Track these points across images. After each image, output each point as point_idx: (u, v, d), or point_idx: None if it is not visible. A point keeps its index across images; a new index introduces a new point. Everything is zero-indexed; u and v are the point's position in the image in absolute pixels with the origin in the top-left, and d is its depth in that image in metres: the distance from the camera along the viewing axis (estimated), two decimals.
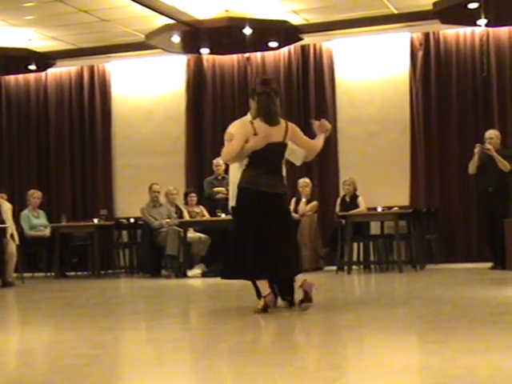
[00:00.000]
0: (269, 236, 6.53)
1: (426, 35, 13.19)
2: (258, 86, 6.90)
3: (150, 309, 7.87)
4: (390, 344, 4.92)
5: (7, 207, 11.72)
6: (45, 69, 14.80)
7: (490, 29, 12.74)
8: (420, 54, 13.20)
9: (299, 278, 6.54)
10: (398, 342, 5.01)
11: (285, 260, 6.58)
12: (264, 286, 6.58)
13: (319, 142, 7.10)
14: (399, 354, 4.57)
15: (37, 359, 4.98)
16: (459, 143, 12.86)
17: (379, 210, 11.89)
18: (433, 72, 13.15)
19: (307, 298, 6.47)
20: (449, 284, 9.22)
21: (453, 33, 13.10)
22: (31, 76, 15.20)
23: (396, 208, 12.05)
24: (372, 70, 13.54)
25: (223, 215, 12.13)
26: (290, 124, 6.83)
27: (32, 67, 14.40)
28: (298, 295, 6.50)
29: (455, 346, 4.62)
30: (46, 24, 12.91)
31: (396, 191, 13.11)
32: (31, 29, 13.08)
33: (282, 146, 6.77)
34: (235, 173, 6.82)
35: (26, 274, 12.21)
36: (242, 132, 6.59)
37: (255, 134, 6.55)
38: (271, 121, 6.66)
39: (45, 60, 14.46)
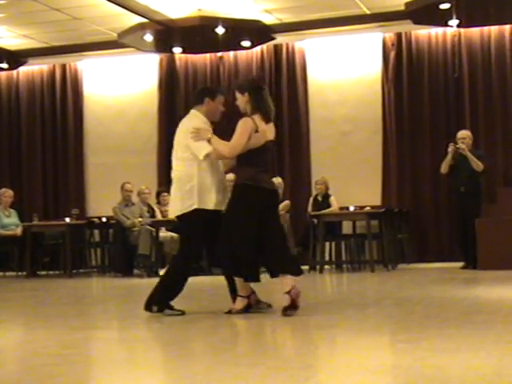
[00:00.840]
0: (265, 234, 6.47)
1: (399, 35, 13.26)
2: (257, 81, 6.93)
3: (121, 308, 7.85)
4: (361, 343, 4.95)
5: None
6: (16, 67, 14.70)
7: (462, 29, 12.83)
8: (392, 54, 13.26)
9: (288, 283, 6.48)
10: (370, 341, 5.03)
11: (281, 258, 6.57)
12: (246, 286, 6.59)
13: None
14: (371, 353, 4.59)
15: (7, 359, 4.95)
16: (431, 143, 12.93)
17: (351, 209, 11.92)
18: (405, 72, 13.21)
19: (293, 305, 6.38)
20: (420, 283, 9.27)
21: (425, 33, 13.17)
22: (2, 74, 15.10)
23: (368, 208, 12.09)
24: (344, 70, 13.58)
25: None
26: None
27: (3, 65, 14.30)
28: (285, 301, 6.47)
29: (426, 345, 4.65)
30: (18, 22, 12.82)
31: (368, 191, 13.16)
32: (2, 27, 12.99)
33: (274, 144, 6.80)
34: (193, 171, 6.60)
35: None
36: (246, 128, 6.53)
37: (256, 131, 6.54)
38: (270, 118, 6.65)
39: (16, 58, 14.37)
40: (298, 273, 6.60)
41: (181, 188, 6.62)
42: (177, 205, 6.62)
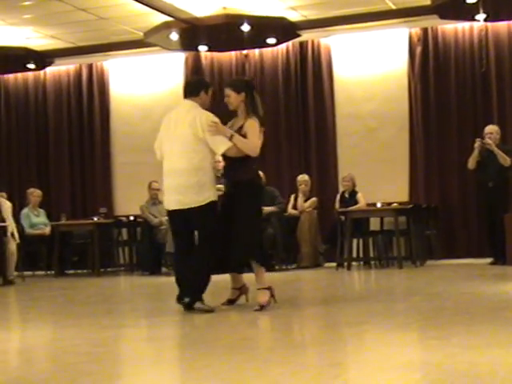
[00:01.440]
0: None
1: (425, 31, 13.18)
2: (252, 83, 7.12)
3: (149, 306, 7.87)
4: (390, 340, 4.93)
5: (7, 206, 11.74)
6: (43, 67, 14.79)
7: (489, 23, 12.72)
8: (418, 49, 13.19)
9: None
10: (399, 338, 5.01)
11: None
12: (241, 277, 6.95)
13: None
14: (400, 350, 4.57)
15: (38, 357, 4.98)
16: (458, 138, 12.85)
17: (379, 205, 11.88)
18: (431, 67, 13.14)
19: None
20: (449, 280, 9.22)
21: (451, 28, 13.09)
22: (30, 75, 15.20)
23: (395, 204, 12.04)
24: (370, 66, 13.52)
25: None
26: None
27: (31, 66, 14.38)
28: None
29: (456, 341, 4.63)
30: (45, 22, 12.90)
31: (395, 187, 13.11)
32: (29, 27, 13.07)
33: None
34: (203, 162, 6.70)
35: (26, 273, 12.22)
36: (258, 128, 6.70)
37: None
38: (264, 123, 6.86)
39: (43, 59, 14.45)
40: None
41: (197, 180, 6.63)
42: (192, 196, 6.62)
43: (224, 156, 6.82)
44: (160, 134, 6.97)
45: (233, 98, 6.86)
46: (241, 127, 6.75)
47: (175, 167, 6.71)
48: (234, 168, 6.84)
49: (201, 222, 6.70)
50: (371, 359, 4.29)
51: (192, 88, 6.95)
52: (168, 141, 6.81)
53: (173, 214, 6.78)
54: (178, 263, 6.98)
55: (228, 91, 6.91)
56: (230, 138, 6.65)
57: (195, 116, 6.71)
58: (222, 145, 6.64)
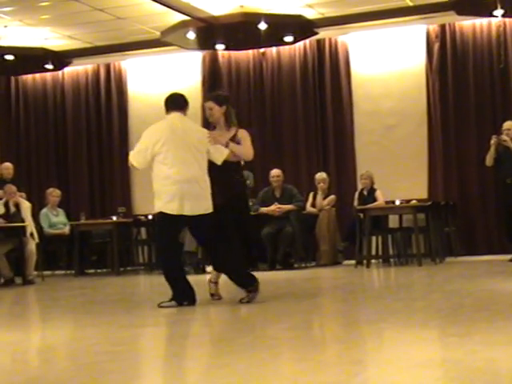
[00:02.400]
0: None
1: (442, 27, 13.13)
2: (230, 97, 7.81)
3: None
4: (410, 338, 4.91)
5: (26, 206, 11.80)
6: (61, 68, 14.84)
7: (507, 19, 12.65)
8: (436, 46, 13.14)
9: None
10: (419, 335, 5.00)
11: None
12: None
13: None
14: (420, 347, 4.55)
15: (58, 357, 5.00)
16: (477, 135, 12.80)
17: (397, 203, 11.85)
18: (449, 64, 13.08)
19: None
20: (469, 277, 9.18)
21: (469, 24, 13.03)
22: (48, 75, 15.26)
23: (414, 201, 12.00)
24: (388, 63, 13.49)
25: None
26: None
27: (49, 66, 14.43)
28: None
29: (477, 338, 4.60)
30: (62, 23, 12.95)
31: (414, 184, 13.06)
32: (47, 28, 13.12)
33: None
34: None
35: (46, 272, 12.29)
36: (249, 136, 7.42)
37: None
38: None
39: (61, 59, 14.50)
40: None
41: (207, 187, 7.06)
42: (205, 203, 7.04)
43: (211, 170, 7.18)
44: (157, 142, 7.07)
45: (215, 110, 7.36)
46: (233, 136, 7.31)
47: (189, 174, 6.95)
48: (223, 183, 7.22)
49: (210, 228, 7.07)
50: (391, 357, 4.28)
51: (181, 102, 7.34)
52: (178, 149, 7.00)
53: (178, 219, 6.99)
54: (178, 264, 7.28)
55: (211, 104, 7.40)
56: (226, 146, 7.18)
57: (197, 127, 7.49)
58: (222, 155, 7.19)
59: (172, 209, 6.92)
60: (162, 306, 6.99)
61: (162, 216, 6.99)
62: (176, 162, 6.94)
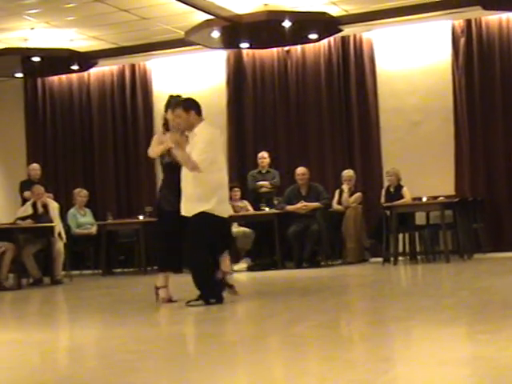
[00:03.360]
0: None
1: (468, 22, 13.03)
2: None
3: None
4: (439, 335, 4.88)
5: (54, 206, 11.88)
6: (87, 68, 14.91)
7: None
8: (462, 41, 13.05)
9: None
10: (447, 333, 4.97)
11: None
12: None
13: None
14: (449, 345, 4.53)
15: (87, 356, 5.03)
16: (504, 130, 12.70)
17: (424, 199, 11.79)
18: (476, 59, 12.99)
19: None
20: (497, 273, 9.12)
21: (495, 19, 12.93)
22: (74, 76, 15.34)
23: (441, 197, 11.94)
24: (413, 59, 13.42)
25: (267, 209, 12.13)
26: None
27: (74, 67, 14.50)
28: None
29: (506, 335, 4.57)
30: (88, 24, 13.01)
31: (441, 181, 12.99)
32: (73, 29, 13.19)
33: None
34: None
35: (73, 272, 12.35)
36: None
37: None
38: None
39: (87, 60, 14.56)
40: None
41: None
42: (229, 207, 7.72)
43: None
44: (216, 148, 7.33)
45: (184, 117, 7.32)
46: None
47: (226, 180, 7.43)
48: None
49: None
50: (420, 355, 4.26)
51: (199, 107, 7.51)
52: (220, 154, 7.42)
53: (219, 222, 7.27)
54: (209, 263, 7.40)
55: (178, 111, 7.38)
56: None
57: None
58: None
59: (220, 211, 7.21)
60: (190, 305, 7.02)
61: (206, 217, 7.10)
62: (221, 167, 7.30)
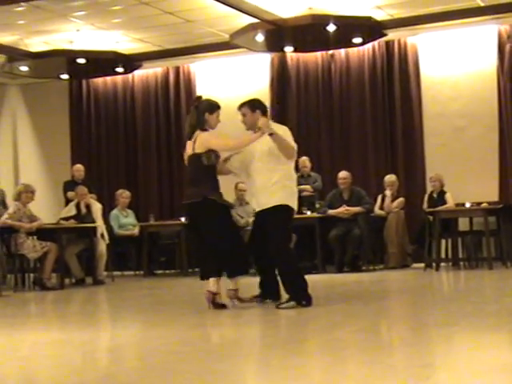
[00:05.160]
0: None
1: None
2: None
3: (238, 306, 7.89)
4: (481, 342, 4.84)
5: (97, 207, 11.99)
6: (132, 70, 15.02)
7: None
8: (508, 46, 12.92)
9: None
10: (491, 339, 4.92)
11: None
12: None
13: (239, 140, 7.65)
14: (492, 352, 4.48)
15: (128, 356, 5.06)
16: None
17: (467, 205, 11.69)
18: None
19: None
20: None
21: None
22: (118, 78, 15.46)
23: (485, 204, 11.83)
24: (458, 64, 13.31)
25: (309, 212, 12.11)
26: (198, 134, 7.54)
27: (119, 69, 14.62)
28: None
29: None
30: (133, 26, 13.10)
31: (485, 187, 12.86)
32: (118, 31, 13.29)
33: (194, 157, 7.50)
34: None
35: (115, 273, 12.44)
36: None
37: None
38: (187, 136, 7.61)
39: (131, 62, 14.67)
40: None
41: None
42: None
43: None
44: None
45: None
46: None
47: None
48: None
49: None
50: (462, 361, 4.22)
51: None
52: None
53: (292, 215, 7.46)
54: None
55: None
56: None
57: None
58: None
59: (295, 206, 7.25)
60: (281, 308, 6.90)
61: (288, 210, 7.14)
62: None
